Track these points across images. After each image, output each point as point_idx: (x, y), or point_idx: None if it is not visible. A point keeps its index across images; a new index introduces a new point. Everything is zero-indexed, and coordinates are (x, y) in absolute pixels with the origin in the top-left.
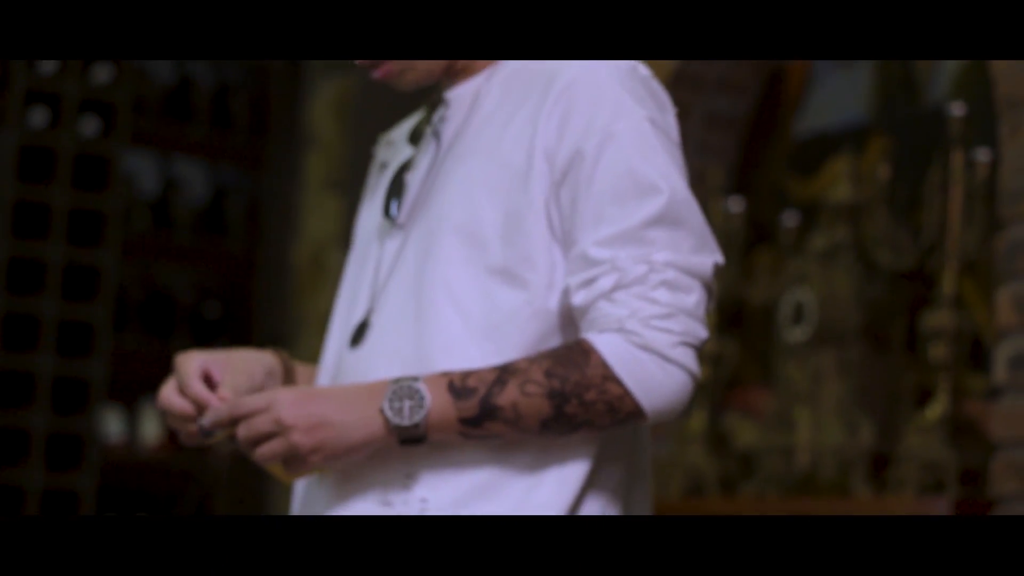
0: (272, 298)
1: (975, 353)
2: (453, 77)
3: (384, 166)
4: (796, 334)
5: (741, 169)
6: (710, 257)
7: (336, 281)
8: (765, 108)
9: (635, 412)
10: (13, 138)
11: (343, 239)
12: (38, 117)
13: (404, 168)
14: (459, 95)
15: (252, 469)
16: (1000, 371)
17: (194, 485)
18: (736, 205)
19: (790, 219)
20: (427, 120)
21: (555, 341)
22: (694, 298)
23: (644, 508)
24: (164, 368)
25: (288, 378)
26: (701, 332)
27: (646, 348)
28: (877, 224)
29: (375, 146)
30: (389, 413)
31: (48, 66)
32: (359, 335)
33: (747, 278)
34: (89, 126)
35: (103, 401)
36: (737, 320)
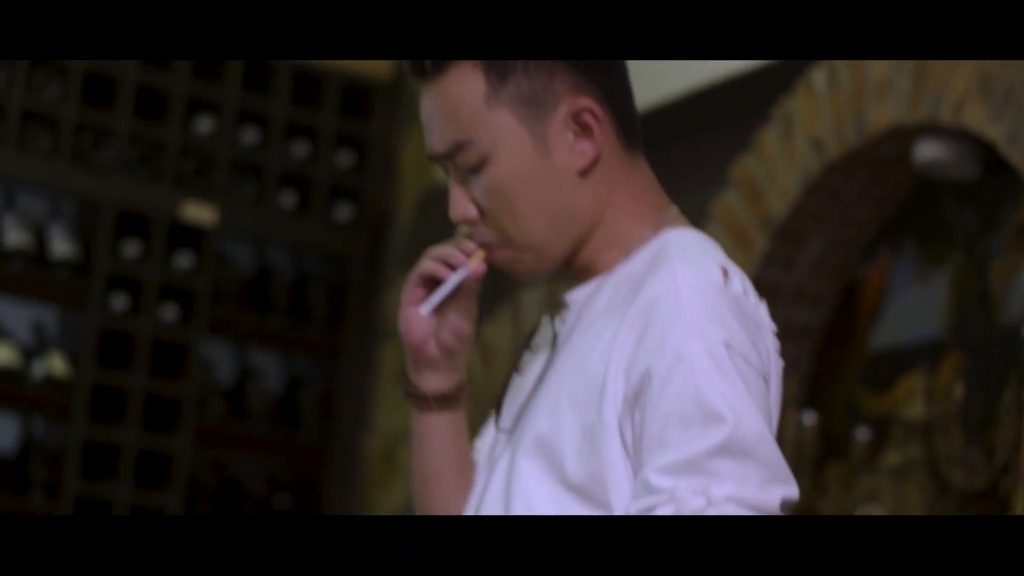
0: (343, 491)
1: None
2: (577, 275)
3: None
4: None
5: (814, 380)
6: (780, 491)
7: (406, 476)
8: (840, 320)
9: None
10: (93, 322)
11: None
12: (118, 302)
13: (514, 370)
14: (576, 298)
15: None
16: None
17: None
18: (809, 418)
19: (863, 434)
20: (551, 322)
21: None
22: None
23: None
24: None
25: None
26: None
27: None
28: (950, 443)
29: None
30: None
31: (130, 252)
32: None
33: (818, 492)
34: (168, 313)
35: None
36: None
